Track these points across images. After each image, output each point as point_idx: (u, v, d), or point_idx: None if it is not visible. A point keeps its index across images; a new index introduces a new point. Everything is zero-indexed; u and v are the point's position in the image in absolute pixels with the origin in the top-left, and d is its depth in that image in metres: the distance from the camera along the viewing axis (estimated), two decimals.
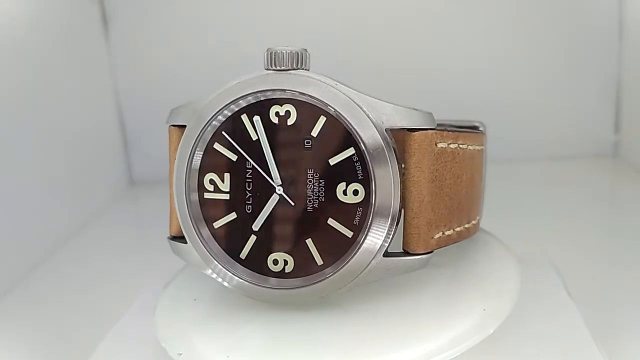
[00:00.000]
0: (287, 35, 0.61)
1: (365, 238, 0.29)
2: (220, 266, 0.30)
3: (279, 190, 0.30)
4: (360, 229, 0.29)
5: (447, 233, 0.31)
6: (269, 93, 0.29)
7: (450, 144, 0.30)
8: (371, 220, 0.28)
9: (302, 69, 0.30)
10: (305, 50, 0.30)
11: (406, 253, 0.30)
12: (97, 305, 0.43)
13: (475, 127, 0.38)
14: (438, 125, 0.30)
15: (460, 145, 0.31)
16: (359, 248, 0.29)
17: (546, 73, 0.66)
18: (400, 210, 0.29)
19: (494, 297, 0.31)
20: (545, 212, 0.53)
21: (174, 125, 0.32)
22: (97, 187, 0.63)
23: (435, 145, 0.29)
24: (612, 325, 0.35)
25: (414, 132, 0.29)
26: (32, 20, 0.53)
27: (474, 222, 0.34)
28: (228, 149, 0.30)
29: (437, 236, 0.30)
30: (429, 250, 0.30)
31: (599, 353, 0.29)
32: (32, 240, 0.50)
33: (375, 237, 0.29)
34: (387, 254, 0.29)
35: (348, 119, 0.28)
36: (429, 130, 0.29)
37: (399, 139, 0.29)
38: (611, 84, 0.66)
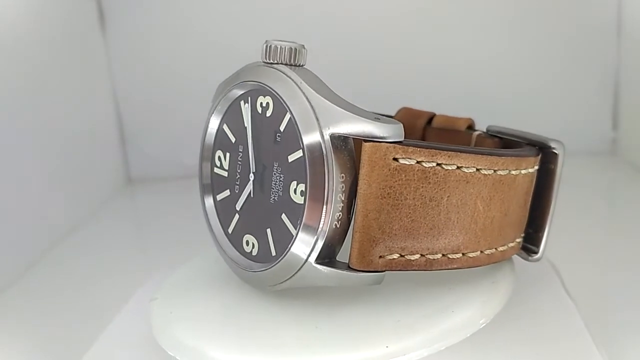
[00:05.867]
0: (287, 32, 0.57)
1: (295, 240, 0.28)
2: (213, 234, 0.34)
3: (251, 177, 0.31)
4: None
5: (408, 257, 0.28)
6: (256, 84, 0.31)
7: (421, 161, 0.27)
8: (302, 225, 0.28)
9: (294, 64, 0.30)
10: (302, 46, 0.30)
11: (347, 266, 0.28)
12: (94, 301, 0.43)
13: (542, 147, 0.32)
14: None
15: (444, 165, 0.28)
16: (290, 249, 0.29)
17: (544, 70, 0.67)
18: (332, 221, 0.28)
19: (485, 295, 0.30)
20: None
21: None
22: (95, 184, 0.63)
23: (395, 160, 0.27)
24: (611, 324, 0.35)
25: (367, 142, 0.27)
26: (30, 18, 0.53)
27: (471, 254, 0.30)
28: (230, 131, 0.33)
29: (388, 257, 0.28)
30: (373, 270, 0.28)
31: (598, 352, 0.28)
32: (30, 237, 0.50)
33: (304, 242, 0.28)
34: (326, 263, 0.29)
35: (297, 120, 0.28)
36: (383, 143, 0.27)
37: (357, 148, 0.28)
38: (609, 81, 0.67)
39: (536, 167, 0.32)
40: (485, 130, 0.37)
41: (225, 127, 0.33)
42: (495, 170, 0.29)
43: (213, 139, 0.34)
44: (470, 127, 0.39)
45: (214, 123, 0.34)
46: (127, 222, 0.62)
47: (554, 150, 0.33)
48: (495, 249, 0.31)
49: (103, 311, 0.37)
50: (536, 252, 0.33)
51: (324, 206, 0.27)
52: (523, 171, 0.31)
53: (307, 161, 0.28)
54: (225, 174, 0.33)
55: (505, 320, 0.30)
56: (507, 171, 0.30)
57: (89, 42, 0.65)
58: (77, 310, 0.42)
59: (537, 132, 0.33)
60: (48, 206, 0.54)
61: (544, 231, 0.33)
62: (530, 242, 0.34)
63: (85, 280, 0.47)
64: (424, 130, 0.40)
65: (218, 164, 0.34)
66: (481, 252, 0.30)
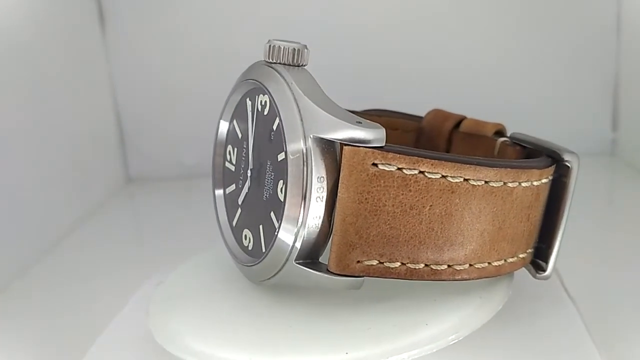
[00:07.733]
0: (286, 32, 0.54)
1: (279, 231, 0.29)
2: (220, 225, 0.35)
3: (249, 174, 0.32)
4: None
5: (388, 265, 0.28)
6: (257, 82, 0.31)
7: (402, 168, 0.27)
8: (281, 225, 0.28)
9: (294, 65, 0.30)
10: (305, 46, 0.30)
11: (327, 270, 0.28)
12: (94, 301, 0.43)
13: (557, 158, 0.31)
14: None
15: (427, 174, 0.27)
16: (274, 242, 0.29)
17: (544, 72, 0.67)
18: (312, 218, 0.28)
19: (466, 311, 0.29)
20: None
21: None
22: (93, 184, 0.63)
23: (374, 165, 0.27)
24: (611, 324, 0.35)
25: (346, 146, 0.27)
26: (30, 18, 0.52)
27: (458, 267, 0.29)
28: (238, 127, 0.34)
29: (366, 263, 0.28)
30: (350, 274, 0.28)
31: (598, 353, 0.29)
32: (29, 237, 0.50)
33: (285, 241, 0.28)
34: (307, 264, 0.29)
35: (283, 121, 0.28)
36: (361, 147, 0.27)
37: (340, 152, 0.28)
38: (609, 82, 0.67)
39: (544, 180, 0.30)
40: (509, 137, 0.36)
41: (235, 122, 0.34)
42: (486, 182, 0.28)
43: (225, 133, 0.35)
44: (499, 132, 0.38)
45: (226, 118, 0.35)
46: (126, 221, 0.63)
47: (567, 163, 0.31)
48: (488, 263, 0.29)
49: (103, 311, 0.37)
50: (544, 270, 0.32)
51: (302, 201, 0.27)
52: (524, 184, 0.29)
53: (287, 162, 0.28)
54: (233, 168, 0.34)
55: (504, 319, 0.30)
56: (502, 183, 0.28)
57: (89, 42, 0.65)
58: (77, 310, 0.42)
59: (550, 139, 0.32)
60: (47, 206, 0.54)
61: (553, 247, 0.31)
62: (541, 257, 0.32)
63: (84, 279, 0.47)
64: (451, 133, 0.39)
65: (228, 158, 0.35)
66: (470, 265, 0.29)
